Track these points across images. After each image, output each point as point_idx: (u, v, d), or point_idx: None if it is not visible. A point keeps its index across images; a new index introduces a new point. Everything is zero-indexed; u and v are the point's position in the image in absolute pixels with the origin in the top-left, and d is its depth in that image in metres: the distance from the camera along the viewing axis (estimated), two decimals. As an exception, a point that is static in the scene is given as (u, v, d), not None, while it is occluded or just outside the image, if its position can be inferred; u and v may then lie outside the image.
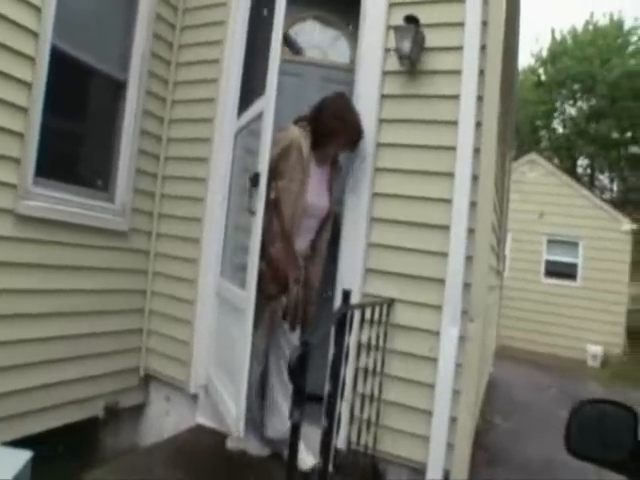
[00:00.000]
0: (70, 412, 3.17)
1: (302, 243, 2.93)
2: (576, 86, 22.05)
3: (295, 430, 1.64)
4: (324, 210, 2.96)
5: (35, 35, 2.77)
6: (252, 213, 2.67)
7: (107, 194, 3.42)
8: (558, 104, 23.43)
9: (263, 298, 2.78)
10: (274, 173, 2.79)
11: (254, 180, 2.75)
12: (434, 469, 2.69)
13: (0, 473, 2.17)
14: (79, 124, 3.39)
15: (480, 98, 2.74)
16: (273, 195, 2.83)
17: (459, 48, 2.81)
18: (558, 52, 22.45)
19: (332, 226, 3.05)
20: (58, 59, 2.92)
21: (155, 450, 3.02)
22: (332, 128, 2.83)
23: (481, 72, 2.76)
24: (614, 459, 1.55)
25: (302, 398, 1.63)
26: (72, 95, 3.25)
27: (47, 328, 3.00)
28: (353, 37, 3.39)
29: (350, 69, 3.36)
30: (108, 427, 3.56)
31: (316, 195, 2.89)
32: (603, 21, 22.31)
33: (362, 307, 2.39)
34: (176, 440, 3.14)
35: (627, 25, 21.89)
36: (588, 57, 20.62)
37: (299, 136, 2.83)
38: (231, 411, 2.72)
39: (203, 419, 3.32)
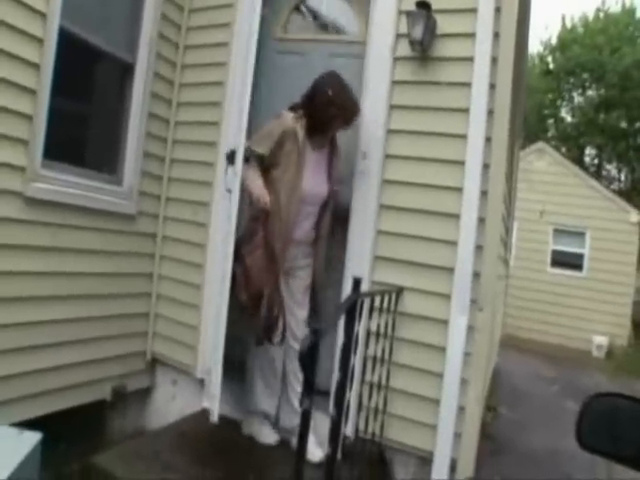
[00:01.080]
0: (79, 395, 3.19)
1: (304, 229, 2.91)
2: (585, 75, 21.80)
3: (305, 419, 1.64)
4: (323, 196, 2.92)
5: (43, 16, 2.73)
6: (229, 191, 2.68)
7: (115, 177, 3.41)
8: (566, 93, 23.23)
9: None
10: (268, 163, 2.83)
11: (230, 157, 2.75)
12: (441, 458, 2.70)
13: (11, 454, 2.19)
14: (87, 106, 3.38)
15: (492, 86, 2.71)
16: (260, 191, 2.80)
17: (472, 35, 2.77)
18: (568, 40, 22.16)
19: (342, 213, 3.04)
20: (66, 41, 2.89)
21: (161, 434, 3.04)
22: (330, 115, 2.78)
23: (493, 60, 2.72)
24: (625, 454, 1.54)
25: (312, 387, 1.63)
26: (80, 77, 3.24)
27: (55, 311, 3.00)
28: (360, 6, 3.32)
29: (358, 41, 3.30)
30: (115, 410, 3.57)
31: (313, 182, 2.86)
32: (615, 8, 22.05)
33: (371, 295, 2.37)
34: (182, 425, 3.14)
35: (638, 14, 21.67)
36: (598, 45, 20.33)
37: (293, 124, 2.79)
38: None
39: (209, 404, 3.32)
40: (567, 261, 11.90)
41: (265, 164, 2.85)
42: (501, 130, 2.71)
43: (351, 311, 2.05)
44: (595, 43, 20.41)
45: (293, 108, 2.88)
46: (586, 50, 20.73)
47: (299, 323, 2.93)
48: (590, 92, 22.30)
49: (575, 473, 4.44)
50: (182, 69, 3.72)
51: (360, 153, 3.02)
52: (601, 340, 10.99)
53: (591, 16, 22.17)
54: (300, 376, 2.78)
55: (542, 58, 23.57)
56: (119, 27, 3.40)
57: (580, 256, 11.83)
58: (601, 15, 21.86)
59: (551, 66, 23.12)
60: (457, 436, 2.69)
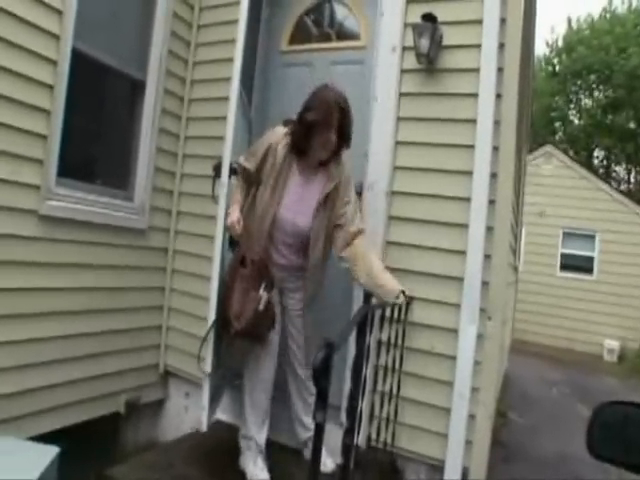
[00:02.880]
0: (93, 408, 3.24)
1: (285, 256, 2.72)
2: (592, 76, 21.72)
3: (319, 431, 1.67)
4: (302, 229, 2.63)
5: (57, 38, 2.81)
6: (215, 202, 2.69)
7: (126, 192, 3.47)
8: (573, 95, 23.15)
9: None
10: (255, 179, 2.69)
11: (217, 169, 2.74)
12: (452, 466, 2.70)
13: (28, 469, 2.22)
14: (99, 124, 3.43)
15: (499, 96, 2.73)
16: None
17: (477, 46, 2.79)
18: (574, 42, 22.09)
19: None
20: (78, 61, 2.97)
21: (175, 446, 3.08)
22: (308, 121, 2.51)
23: (500, 70, 2.74)
24: (635, 462, 1.55)
25: (326, 400, 1.66)
26: (92, 96, 3.31)
27: (69, 326, 3.05)
28: (361, 12, 3.36)
29: (360, 47, 3.36)
30: (129, 422, 3.62)
31: (292, 210, 2.61)
32: (621, 8, 21.96)
33: (382, 306, 2.40)
34: (196, 436, 3.17)
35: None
36: (605, 46, 20.25)
37: (278, 139, 2.62)
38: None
39: (223, 415, 3.35)
40: (577, 264, 11.85)
41: (254, 180, 2.70)
42: (508, 139, 2.71)
43: (362, 323, 2.09)
44: (601, 44, 20.31)
45: (287, 122, 2.71)
46: (592, 51, 20.64)
47: (300, 347, 2.82)
48: (597, 93, 22.22)
49: (587, 477, 4.44)
50: (191, 85, 3.78)
51: (369, 166, 3.04)
52: (612, 344, 10.94)
53: (597, 17, 22.11)
54: (305, 395, 2.83)
55: (548, 60, 23.51)
56: (130, 45, 3.47)
57: (590, 259, 11.77)
58: (607, 16, 21.78)
59: (557, 68, 23.07)
60: (468, 444, 2.70)
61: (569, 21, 23.34)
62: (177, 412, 3.71)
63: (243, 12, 3.05)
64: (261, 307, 2.55)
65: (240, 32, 3.05)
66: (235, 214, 2.60)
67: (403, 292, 2.53)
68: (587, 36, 21.64)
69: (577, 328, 11.27)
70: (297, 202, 2.62)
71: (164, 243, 3.71)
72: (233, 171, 2.85)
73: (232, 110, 2.95)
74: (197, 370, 3.49)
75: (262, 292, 2.57)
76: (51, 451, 2.38)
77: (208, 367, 2.96)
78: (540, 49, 23.90)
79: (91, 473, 2.78)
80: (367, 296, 2.34)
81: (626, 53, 19.54)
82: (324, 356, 1.65)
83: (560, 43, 23.28)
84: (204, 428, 2.93)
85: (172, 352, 3.71)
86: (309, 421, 2.79)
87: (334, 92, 2.56)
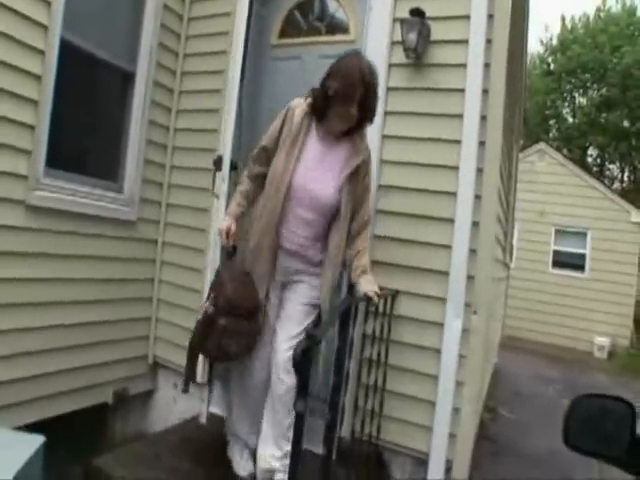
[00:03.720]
0: (80, 399, 3.25)
1: (296, 238, 2.46)
2: (586, 75, 21.84)
3: (299, 421, 1.69)
4: (322, 199, 2.40)
5: (45, 28, 2.80)
6: (216, 197, 2.67)
7: (116, 184, 3.47)
8: (567, 93, 23.27)
9: None
10: (273, 157, 2.46)
11: (217, 163, 2.72)
12: (437, 459, 2.73)
13: (14, 457, 2.23)
14: (88, 115, 3.43)
15: (485, 92, 2.74)
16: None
17: (465, 41, 2.80)
18: (568, 40, 22.19)
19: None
20: (67, 52, 2.96)
21: (163, 438, 3.09)
22: (327, 87, 2.33)
23: (487, 65, 2.75)
24: (611, 453, 1.59)
25: (306, 390, 1.68)
26: (81, 87, 3.29)
27: (57, 316, 3.06)
28: (350, 6, 3.38)
29: (349, 41, 3.35)
30: (117, 413, 3.64)
31: (310, 178, 2.38)
32: (616, 8, 22.08)
33: (368, 299, 2.41)
34: (184, 427, 3.21)
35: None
36: (599, 45, 20.36)
37: (297, 104, 2.44)
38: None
39: (211, 407, 3.36)
40: (569, 262, 11.92)
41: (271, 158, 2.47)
42: (494, 135, 2.73)
43: (345, 315, 2.10)
44: (596, 42, 20.44)
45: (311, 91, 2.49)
46: (587, 50, 20.76)
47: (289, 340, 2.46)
48: (591, 92, 22.35)
49: (575, 474, 4.48)
50: (182, 77, 3.78)
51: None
52: (603, 341, 11.01)
53: (591, 16, 22.23)
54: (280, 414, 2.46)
55: (543, 59, 23.64)
56: (120, 37, 3.46)
57: (582, 256, 11.84)
58: (602, 14, 21.91)
59: (552, 67, 23.19)
60: (452, 437, 2.73)
61: (563, 20, 23.48)
62: (166, 403, 3.72)
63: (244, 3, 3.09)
64: (199, 317, 2.44)
65: (241, 24, 3.08)
66: (226, 222, 2.48)
67: (371, 295, 2.38)
68: (581, 35, 21.77)
69: (568, 325, 11.33)
70: (316, 170, 2.40)
71: (154, 235, 3.72)
72: (233, 166, 2.83)
73: (233, 99, 3.02)
74: (184, 360, 3.54)
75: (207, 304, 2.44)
76: (36, 440, 2.39)
77: (199, 377, 3.00)
78: (535, 48, 24.02)
79: (78, 464, 2.79)
80: (351, 287, 2.36)
81: (620, 52, 19.66)
82: (305, 347, 1.68)
83: (555, 42, 23.40)
84: (203, 419, 2.97)
85: (161, 343, 3.73)
86: (278, 452, 2.45)
87: (361, 62, 2.35)
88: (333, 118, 2.36)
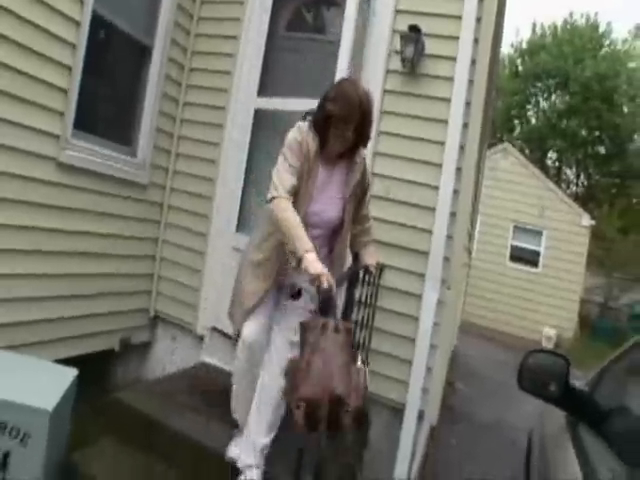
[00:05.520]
0: (92, 343, 3.58)
1: None
2: (551, 81, 22.77)
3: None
4: (331, 220, 2.54)
5: (81, 1, 3.08)
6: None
7: (131, 148, 3.76)
8: (533, 96, 24.16)
9: None
10: None
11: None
12: (411, 408, 3.16)
13: (55, 386, 2.57)
14: (110, 84, 3.71)
15: (468, 104, 3.22)
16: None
17: (454, 58, 3.25)
18: (537, 46, 23.07)
19: None
20: (97, 23, 3.24)
21: (171, 379, 3.46)
22: (327, 113, 2.38)
23: (470, 81, 3.22)
24: (551, 395, 2.10)
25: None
26: (107, 57, 3.59)
27: (76, 266, 3.37)
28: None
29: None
30: (120, 360, 3.97)
31: (320, 202, 2.50)
32: (580, 21, 23.06)
33: (366, 268, 2.85)
34: (186, 373, 3.56)
35: (601, 29, 22.77)
36: (564, 55, 21.30)
37: (307, 133, 2.45)
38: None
39: (209, 358, 3.71)
40: (524, 257, 12.67)
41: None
42: (473, 140, 3.24)
43: (353, 277, 2.58)
44: (561, 52, 21.33)
45: (306, 115, 2.57)
46: (552, 58, 21.63)
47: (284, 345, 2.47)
48: (554, 97, 23.23)
49: (519, 439, 5.11)
50: (192, 55, 4.07)
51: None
52: (550, 332, 11.80)
53: (559, 26, 23.10)
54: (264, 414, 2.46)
55: (512, 61, 24.40)
56: (141, 12, 3.73)
57: (537, 253, 12.61)
58: (568, 27, 22.81)
59: (520, 69, 23.98)
60: (425, 391, 3.19)
61: (534, 27, 24.28)
62: (164, 354, 4.05)
63: None
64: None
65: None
66: (322, 266, 2.18)
67: (368, 267, 2.75)
68: (549, 43, 22.60)
69: (520, 315, 12.09)
70: (323, 193, 2.50)
71: (161, 198, 4.02)
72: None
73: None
74: (186, 316, 3.89)
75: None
76: (71, 373, 2.73)
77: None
78: (505, 49, 24.79)
79: (92, 399, 3.05)
80: (355, 256, 2.80)
81: (582, 64, 20.58)
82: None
83: (524, 46, 24.18)
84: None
85: (162, 299, 4.05)
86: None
87: (358, 89, 2.42)
88: (331, 140, 2.45)
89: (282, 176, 2.36)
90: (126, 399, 3.03)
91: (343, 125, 2.38)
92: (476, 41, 3.22)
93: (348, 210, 2.56)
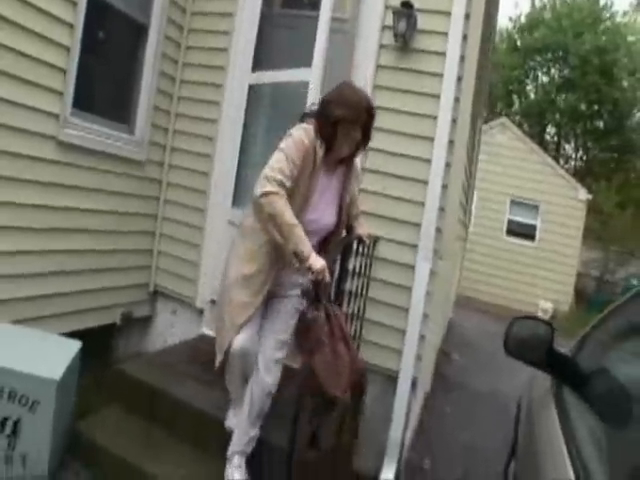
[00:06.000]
0: (96, 316, 3.70)
1: None
2: (550, 55, 22.61)
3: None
4: (328, 226, 2.54)
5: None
6: None
7: (128, 127, 3.82)
8: (531, 71, 24.02)
9: None
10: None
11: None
12: (405, 376, 3.22)
13: (61, 357, 2.69)
14: (107, 63, 3.76)
15: (460, 79, 3.27)
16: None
17: (445, 34, 3.29)
18: (536, 20, 22.87)
19: None
20: (94, 3, 3.27)
21: (171, 351, 3.58)
22: (332, 114, 2.36)
23: (462, 57, 3.26)
24: (535, 359, 2.19)
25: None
26: (103, 36, 3.63)
27: (77, 242, 3.45)
28: None
29: (344, 19, 3.70)
30: (121, 334, 4.08)
31: (319, 210, 2.48)
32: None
33: (359, 239, 2.90)
34: (187, 345, 3.68)
35: (602, 1, 22.53)
36: (563, 28, 21.11)
37: (314, 138, 2.38)
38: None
39: (208, 330, 3.79)
40: (521, 231, 12.78)
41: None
42: (465, 114, 3.29)
43: (348, 246, 2.65)
44: (561, 26, 21.14)
45: (304, 116, 2.53)
46: (552, 32, 21.44)
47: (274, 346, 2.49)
48: (553, 71, 23.09)
49: (512, 407, 5.26)
50: (188, 33, 4.11)
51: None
52: (546, 305, 11.94)
53: (558, 0, 22.85)
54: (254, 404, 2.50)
55: (510, 35, 24.20)
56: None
57: (533, 227, 12.72)
58: (568, 0, 22.56)
59: (518, 44, 23.79)
60: (418, 359, 3.27)
61: (533, 0, 24.03)
62: (164, 327, 4.16)
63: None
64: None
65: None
66: (322, 260, 2.23)
67: (361, 237, 2.82)
68: (548, 17, 22.39)
69: (516, 288, 12.24)
70: (321, 200, 2.49)
71: (159, 175, 4.09)
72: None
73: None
74: (186, 290, 3.98)
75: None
76: (76, 344, 2.85)
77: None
78: (503, 23, 24.58)
79: (94, 371, 3.22)
80: (349, 229, 2.87)
81: (581, 38, 20.41)
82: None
83: (523, 20, 23.96)
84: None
85: (161, 273, 4.15)
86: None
87: (361, 92, 2.48)
88: (337, 144, 2.42)
89: (280, 173, 2.26)
90: (129, 370, 3.15)
91: (351, 127, 2.39)
92: (467, 16, 3.25)
93: (344, 215, 2.59)
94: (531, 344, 2.17)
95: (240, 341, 2.37)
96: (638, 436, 1.19)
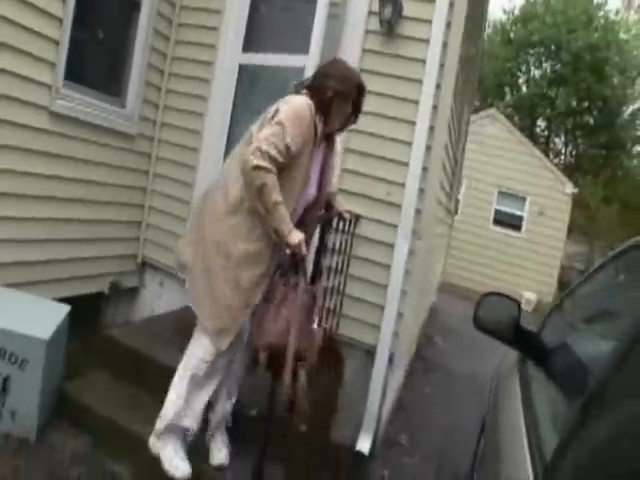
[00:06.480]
0: (86, 284, 3.80)
1: None
2: (543, 49, 22.71)
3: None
4: (310, 198, 2.55)
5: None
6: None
7: (120, 100, 3.89)
8: (524, 64, 24.12)
9: None
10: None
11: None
12: (382, 350, 3.34)
13: (50, 319, 2.79)
14: (100, 37, 3.81)
15: (442, 65, 3.35)
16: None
17: (429, 21, 3.37)
18: (530, 14, 22.94)
19: None
20: None
21: (157, 320, 3.68)
22: (327, 88, 2.38)
23: (444, 44, 3.35)
24: (502, 335, 2.30)
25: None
26: (96, 9, 3.69)
27: (67, 210, 3.53)
28: None
29: (335, 3, 3.76)
30: (110, 303, 4.18)
31: (310, 183, 2.50)
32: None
33: (339, 216, 2.96)
34: (173, 315, 3.77)
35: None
36: (557, 24, 21.22)
37: (313, 112, 2.34)
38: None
39: None
40: (508, 221, 12.93)
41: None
42: (446, 100, 3.40)
43: (326, 223, 2.76)
44: (555, 21, 21.23)
45: (299, 87, 2.51)
46: (546, 27, 21.53)
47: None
48: (545, 65, 23.18)
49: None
50: (180, 10, 4.17)
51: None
52: (530, 296, 12.12)
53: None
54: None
55: (504, 27, 24.27)
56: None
57: (519, 218, 12.89)
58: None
59: (512, 36, 23.86)
60: (395, 335, 3.39)
61: (528, -8, 24.07)
62: (152, 298, 4.26)
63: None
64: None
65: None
66: (300, 234, 2.31)
67: (345, 215, 2.94)
68: (542, 11, 22.46)
69: (502, 278, 12.34)
70: (314, 174, 2.52)
71: (149, 149, 4.17)
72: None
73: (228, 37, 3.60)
74: (173, 262, 4.07)
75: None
76: (65, 307, 2.95)
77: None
78: (497, 15, 24.63)
79: (84, 337, 3.31)
80: (328, 206, 2.97)
81: (574, 35, 20.52)
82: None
83: (517, 12, 24.02)
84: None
85: (150, 245, 4.24)
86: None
87: (352, 68, 2.57)
88: (331, 119, 2.44)
89: (274, 148, 2.20)
90: (116, 336, 3.27)
91: (344, 101, 2.44)
92: (451, 4, 3.34)
93: (324, 189, 2.62)
94: (499, 320, 2.27)
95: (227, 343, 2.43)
96: (592, 407, 1.29)
